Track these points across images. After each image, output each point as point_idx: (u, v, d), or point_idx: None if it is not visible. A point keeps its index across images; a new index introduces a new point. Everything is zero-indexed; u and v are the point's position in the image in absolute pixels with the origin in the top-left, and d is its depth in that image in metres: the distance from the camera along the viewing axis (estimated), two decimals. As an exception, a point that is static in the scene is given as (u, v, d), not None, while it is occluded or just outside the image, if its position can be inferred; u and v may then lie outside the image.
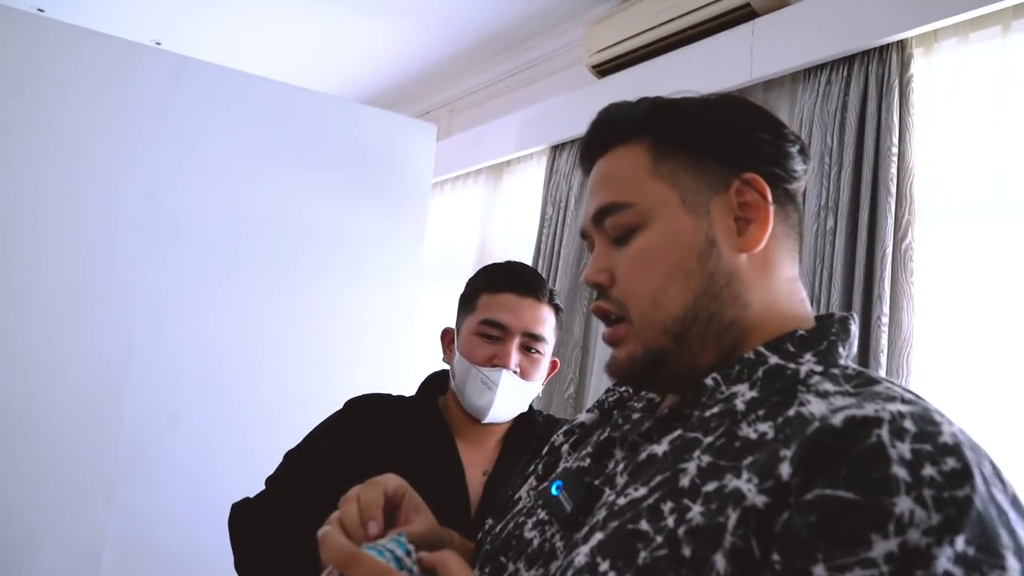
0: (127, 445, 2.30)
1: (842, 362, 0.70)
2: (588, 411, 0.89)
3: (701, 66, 2.52)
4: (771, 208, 0.73)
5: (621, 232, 0.75)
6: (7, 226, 2.20)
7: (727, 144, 0.74)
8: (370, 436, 1.41)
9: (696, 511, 0.60)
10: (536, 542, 0.74)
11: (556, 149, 3.18)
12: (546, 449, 0.90)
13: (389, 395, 1.52)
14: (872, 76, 2.02)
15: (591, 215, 0.78)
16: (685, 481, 0.63)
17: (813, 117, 2.16)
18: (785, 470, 0.57)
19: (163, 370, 2.37)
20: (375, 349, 2.73)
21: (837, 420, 0.57)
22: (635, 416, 0.80)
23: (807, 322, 0.73)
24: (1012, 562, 0.51)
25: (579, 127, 0.82)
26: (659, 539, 0.60)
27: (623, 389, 0.89)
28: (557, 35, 3.35)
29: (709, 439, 0.66)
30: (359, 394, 1.52)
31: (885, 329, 1.89)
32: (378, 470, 1.35)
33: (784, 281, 0.74)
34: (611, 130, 0.78)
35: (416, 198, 2.89)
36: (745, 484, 0.59)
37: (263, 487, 1.43)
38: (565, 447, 0.86)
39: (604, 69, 2.91)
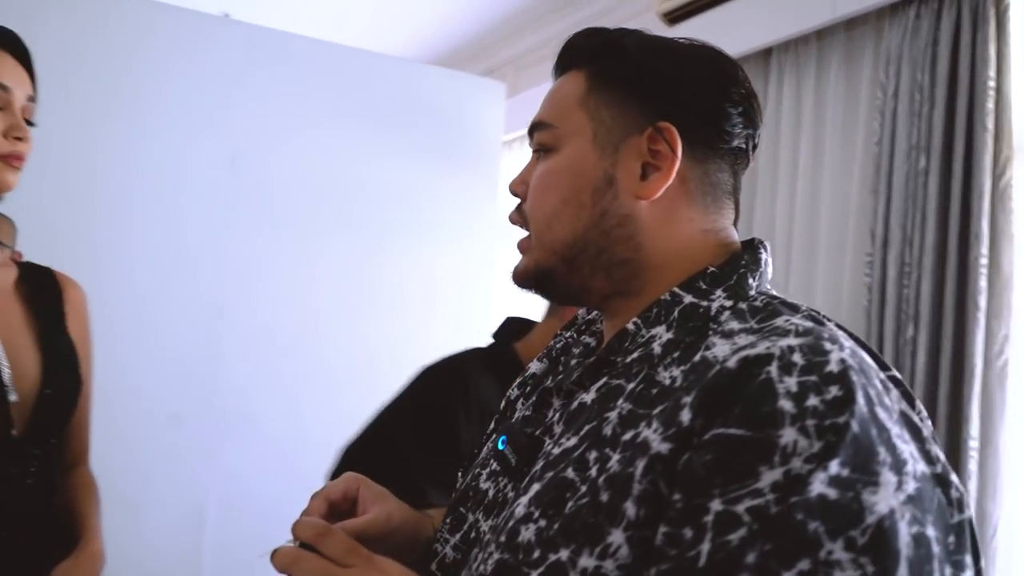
0: (223, 405, 2.39)
1: (752, 293, 0.71)
2: (539, 360, 0.90)
3: (779, 7, 2.43)
4: (677, 161, 0.72)
5: (540, 149, 0.79)
6: (99, 198, 2.27)
7: (655, 91, 0.74)
8: (481, 405, 1.43)
9: (615, 460, 0.63)
10: (491, 493, 0.78)
11: (627, 101, 3.11)
12: (503, 404, 0.91)
13: (470, 356, 1.53)
14: (965, 7, 1.94)
15: (528, 127, 0.82)
16: (608, 430, 0.66)
17: (902, 54, 2.08)
18: (686, 416, 0.59)
19: (251, 332, 2.46)
20: (452, 308, 2.76)
21: (733, 362, 0.59)
22: (572, 363, 0.83)
23: (722, 258, 0.74)
24: (888, 476, 0.54)
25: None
26: (583, 488, 0.63)
27: (568, 335, 0.91)
28: (624, -16, 3.28)
29: (631, 385, 0.69)
30: (437, 360, 1.52)
31: (984, 271, 1.83)
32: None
33: (697, 232, 0.75)
34: (568, 53, 0.81)
35: (488, 157, 2.89)
36: (652, 433, 0.61)
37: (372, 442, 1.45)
38: (520, 400, 0.88)
39: (675, 16, 2.84)
